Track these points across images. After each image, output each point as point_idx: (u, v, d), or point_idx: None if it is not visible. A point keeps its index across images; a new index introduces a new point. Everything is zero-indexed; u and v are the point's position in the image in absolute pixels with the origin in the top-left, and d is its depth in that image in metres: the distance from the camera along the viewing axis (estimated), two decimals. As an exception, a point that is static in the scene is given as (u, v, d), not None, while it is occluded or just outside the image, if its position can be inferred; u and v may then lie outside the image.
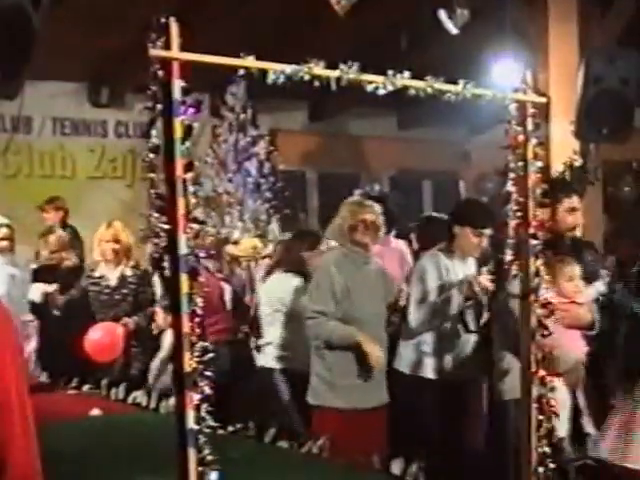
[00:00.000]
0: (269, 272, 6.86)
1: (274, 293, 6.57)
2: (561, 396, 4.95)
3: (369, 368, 5.56)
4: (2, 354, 2.29)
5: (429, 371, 5.80)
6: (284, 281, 6.54)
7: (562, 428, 4.95)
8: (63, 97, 10.92)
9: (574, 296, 5.19)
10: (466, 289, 5.63)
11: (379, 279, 5.85)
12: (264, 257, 8.24)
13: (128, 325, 7.25)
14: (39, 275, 8.22)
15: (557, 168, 8.45)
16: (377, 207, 5.87)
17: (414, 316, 5.75)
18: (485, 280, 5.60)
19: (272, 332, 6.56)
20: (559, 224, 5.45)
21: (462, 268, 5.85)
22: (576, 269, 5.24)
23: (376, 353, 5.52)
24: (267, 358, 6.59)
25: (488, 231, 5.80)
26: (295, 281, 6.47)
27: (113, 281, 7.42)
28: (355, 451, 5.10)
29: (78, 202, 10.35)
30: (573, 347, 5.19)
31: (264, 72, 3.31)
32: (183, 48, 3.09)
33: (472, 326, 5.83)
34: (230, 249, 8.65)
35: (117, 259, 7.40)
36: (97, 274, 7.46)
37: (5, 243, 8.10)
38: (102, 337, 7.03)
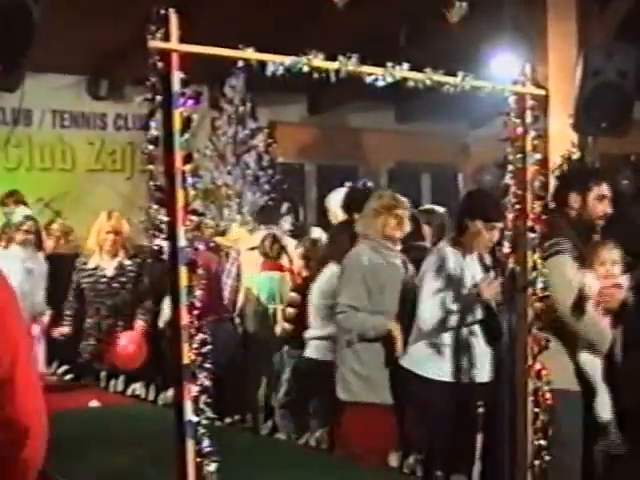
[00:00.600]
0: (321, 265, 6.58)
1: (323, 285, 6.42)
2: (599, 378, 4.99)
3: (395, 359, 5.55)
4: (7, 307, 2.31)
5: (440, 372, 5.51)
6: (333, 273, 6.28)
7: (606, 412, 4.99)
8: (63, 90, 10.92)
9: (616, 280, 5.14)
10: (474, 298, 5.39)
11: (406, 274, 5.81)
12: (252, 249, 8.15)
13: (142, 328, 7.34)
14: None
15: (555, 161, 8.45)
16: (407, 202, 5.89)
17: (424, 315, 5.50)
18: (490, 288, 5.36)
19: (320, 324, 6.47)
20: (589, 212, 5.37)
21: (471, 265, 5.58)
22: (617, 253, 5.17)
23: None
24: (312, 350, 6.51)
25: (500, 225, 5.48)
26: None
27: (110, 271, 7.40)
28: (388, 447, 5.13)
29: (77, 194, 10.36)
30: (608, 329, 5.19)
31: (263, 64, 3.31)
32: (182, 40, 3.09)
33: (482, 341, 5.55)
34: (218, 239, 8.66)
35: (114, 249, 7.40)
36: (91, 265, 7.44)
37: (29, 237, 7.87)
38: (130, 348, 7.19)
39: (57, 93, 10.77)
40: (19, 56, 6.86)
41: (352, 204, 6.57)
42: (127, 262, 7.45)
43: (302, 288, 6.97)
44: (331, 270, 6.34)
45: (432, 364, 5.47)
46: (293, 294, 7.12)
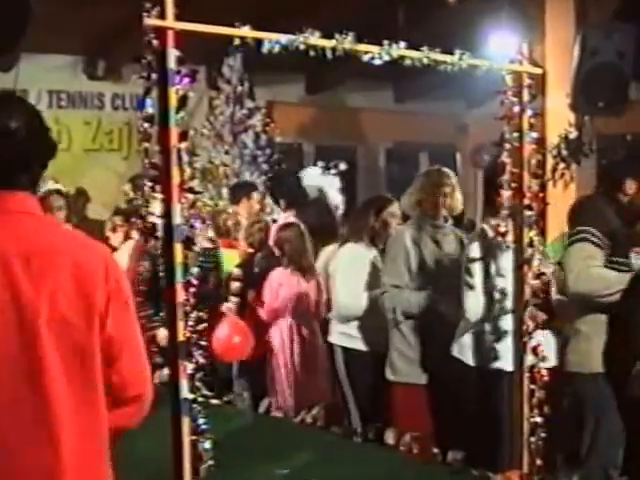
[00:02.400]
0: (342, 243, 6.41)
1: (344, 265, 6.22)
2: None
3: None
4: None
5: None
6: (354, 252, 6.15)
7: None
8: (59, 70, 10.86)
9: None
10: None
11: (455, 251, 5.72)
12: None
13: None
14: None
15: (552, 140, 8.47)
16: (454, 178, 5.84)
17: (472, 302, 5.29)
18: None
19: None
20: None
21: None
22: None
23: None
24: (334, 335, 6.29)
25: None
26: (367, 253, 6.10)
27: None
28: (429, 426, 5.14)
29: (74, 174, 10.35)
30: None
31: (259, 42, 3.31)
32: (178, 17, 3.09)
33: None
34: None
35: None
36: None
37: (60, 214, 7.26)
38: (237, 340, 6.48)
39: (53, 73, 10.72)
40: (14, 36, 6.85)
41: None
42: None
43: (245, 263, 7.10)
44: (349, 248, 6.22)
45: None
46: (236, 269, 7.07)
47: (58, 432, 2.33)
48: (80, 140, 11.10)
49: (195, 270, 3.06)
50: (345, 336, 6.07)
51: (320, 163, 8.46)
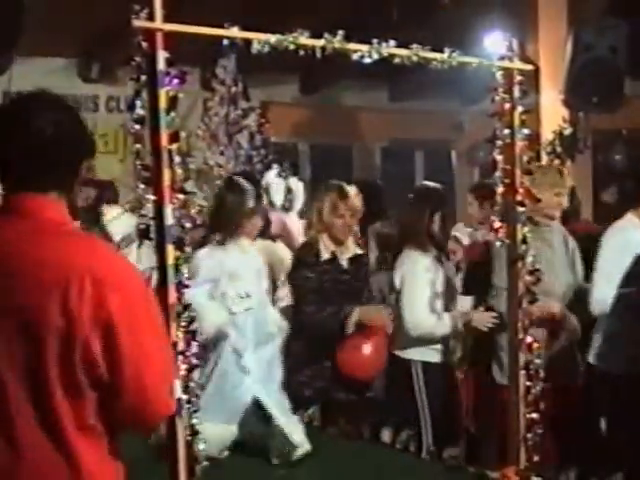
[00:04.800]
0: (398, 250, 5.80)
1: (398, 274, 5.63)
2: None
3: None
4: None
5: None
6: (414, 261, 5.55)
7: None
8: (53, 73, 10.84)
9: None
10: None
11: (568, 251, 5.58)
12: None
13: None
14: None
15: (547, 136, 8.49)
16: (568, 176, 5.69)
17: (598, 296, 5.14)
18: None
19: None
20: None
21: None
22: None
23: (574, 323, 5.32)
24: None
25: None
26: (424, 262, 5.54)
27: None
28: None
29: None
30: None
31: (249, 43, 3.31)
32: (168, 19, 3.09)
33: None
34: None
35: None
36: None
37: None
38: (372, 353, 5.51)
39: (48, 76, 10.65)
40: (8, 39, 6.86)
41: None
42: None
43: None
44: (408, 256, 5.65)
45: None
46: None
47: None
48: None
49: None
50: (424, 349, 5.58)
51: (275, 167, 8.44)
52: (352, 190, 5.46)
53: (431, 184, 6.04)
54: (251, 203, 5.03)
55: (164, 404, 2.45)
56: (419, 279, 5.44)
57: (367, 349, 5.29)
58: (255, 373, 4.80)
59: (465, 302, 5.69)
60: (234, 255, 4.99)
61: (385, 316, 5.36)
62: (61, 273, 2.25)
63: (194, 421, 3.11)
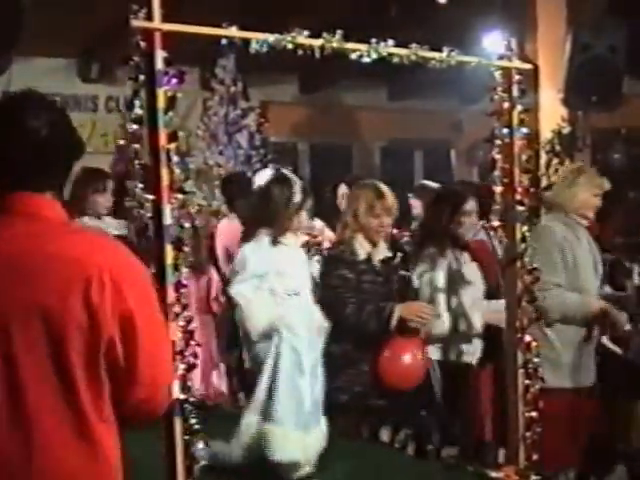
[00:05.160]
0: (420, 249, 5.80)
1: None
2: None
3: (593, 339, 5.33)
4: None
5: None
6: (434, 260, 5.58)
7: None
8: (53, 73, 10.83)
9: None
10: None
11: (592, 250, 5.56)
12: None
13: None
14: None
15: (546, 135, 8.48)
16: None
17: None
18: None
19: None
20: None
21: None
22: None
23: (622, 319, 5.32)
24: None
25: None
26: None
27: None
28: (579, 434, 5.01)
29: (69, 178, 10.33)
30: None
31: (248, 42, 3.31)
32: (166, 19, 3.09)
33: None
34: None
35: None
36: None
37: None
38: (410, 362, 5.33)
39: (47, 76, 10.65)
40: (7, 40, 6.86)
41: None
42: None
43: None
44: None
45: None
46: None
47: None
48: (74, 143, 11.10)
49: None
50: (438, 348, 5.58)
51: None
52: (387, 189, 5.37)
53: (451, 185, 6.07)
54: (298, 197, 4.84)
55: (168, 395, 2.59)
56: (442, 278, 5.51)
57: (408, 358, 5.14)
58: (308, 375, 4.59)
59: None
60: (282, 251, 4.83)
61: (428, 312, 5.25)
62: (80, 270, 2.29)
63: (192, 421, 3.11)
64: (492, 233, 5.69)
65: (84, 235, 2.50)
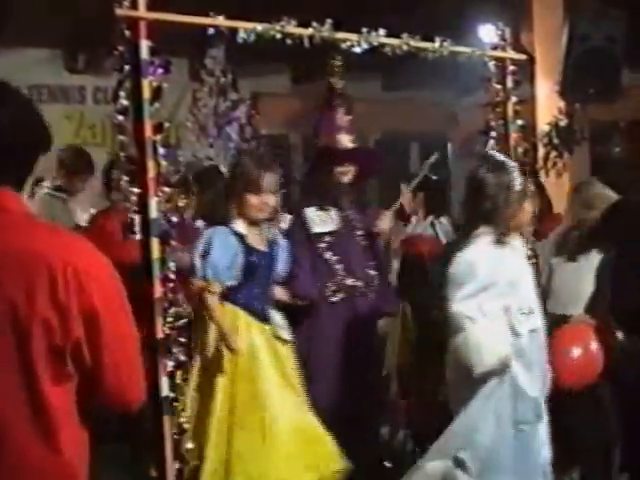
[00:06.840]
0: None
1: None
2: None
3: None
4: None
5: None
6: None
7: None
8: (39, 64, 10.76)
9: None
10: None
11: None
12: None
13: None
14: None
15: (543, 128, 8.40)
16: None
17: None
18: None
19: None
20: None
21: None
22: None
23: None
24: None
25: None
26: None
27: None
28: None
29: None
30: None
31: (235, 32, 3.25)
32: (152, 8, 3.03)
33: None
34: None
35: None
36: None
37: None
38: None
39: (34, 68, 10.61)
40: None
41: None
42: None
43: None
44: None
45: None
46: None
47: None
48: (62, 135, 10.99)
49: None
50: None
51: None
52: None
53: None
54: (518, 185, 3.87)
55: (139, 388, 2.50)
56: None
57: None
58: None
59: None
60: (510, 255, 3.93)
61: None
62: (43, 264, 2.25)
63: (181, 420, 3.05)
64: None
65: (48, 229, 2.42)
